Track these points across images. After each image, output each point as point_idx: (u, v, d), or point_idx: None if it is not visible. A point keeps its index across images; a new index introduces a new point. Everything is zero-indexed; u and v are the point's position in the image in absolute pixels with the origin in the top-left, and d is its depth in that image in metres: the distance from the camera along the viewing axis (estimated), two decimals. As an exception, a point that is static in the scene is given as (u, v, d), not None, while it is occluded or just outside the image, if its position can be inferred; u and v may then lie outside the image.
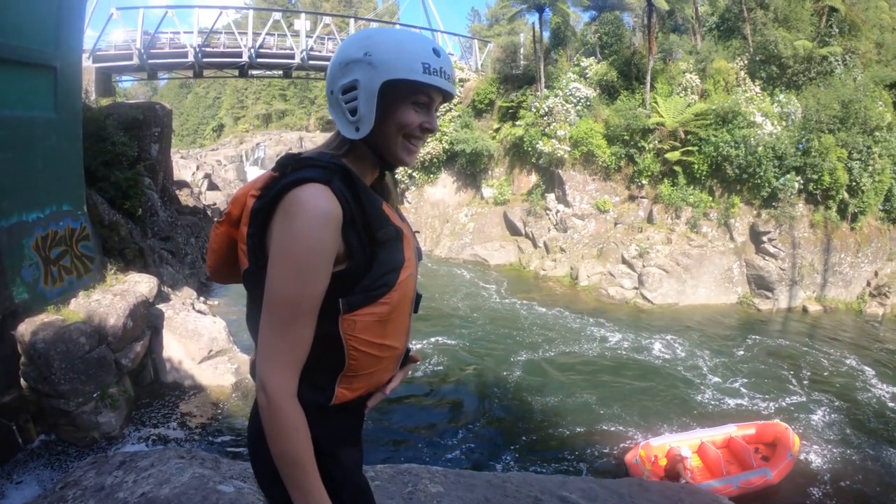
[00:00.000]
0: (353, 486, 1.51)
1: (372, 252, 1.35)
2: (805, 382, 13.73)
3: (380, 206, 1.41)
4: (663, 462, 9.24)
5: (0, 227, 9.09)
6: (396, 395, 7.99)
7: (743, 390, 13.07)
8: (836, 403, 12.61)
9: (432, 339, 14.87)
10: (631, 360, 14.63)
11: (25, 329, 9.18)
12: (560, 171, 23.98)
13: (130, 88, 50.50)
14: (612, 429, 11.00)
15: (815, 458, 10.41)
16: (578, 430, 10.93)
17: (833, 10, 23.16)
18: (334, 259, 1.30)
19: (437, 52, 1.38)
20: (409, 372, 1.68)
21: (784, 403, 12.53)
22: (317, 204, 1.25)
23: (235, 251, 1.47)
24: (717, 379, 13.62)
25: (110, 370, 9.77)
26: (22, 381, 9.20)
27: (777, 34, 22.44)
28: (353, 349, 1.37)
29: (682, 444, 9.44)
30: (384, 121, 1.37)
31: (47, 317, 9.54)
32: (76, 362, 9.17)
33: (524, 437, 10.75)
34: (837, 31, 23.54)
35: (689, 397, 12.64)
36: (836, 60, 22.62)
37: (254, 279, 1.36)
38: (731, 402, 12.52)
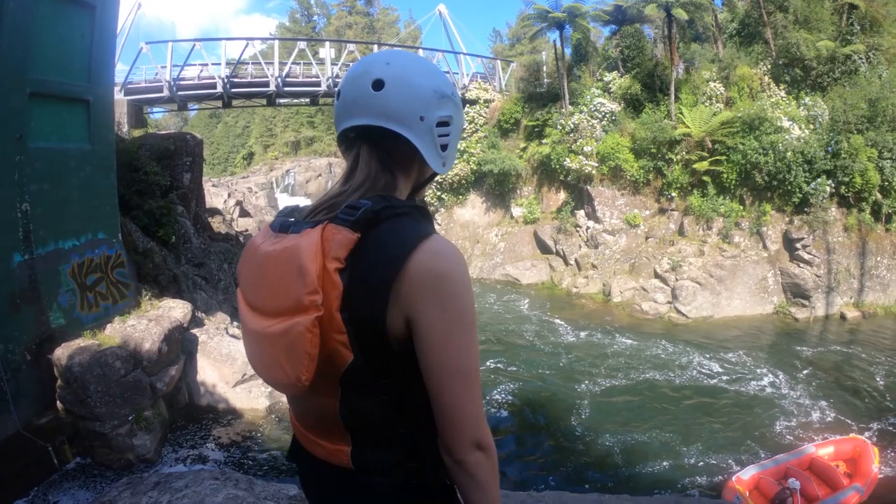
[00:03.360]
0: None
1: None
2: (866, 391, 13.39)
3: None
4: (756, 496, 9.03)
5: (37, 254, 9.36)
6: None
7: (805, 406, 12.72)
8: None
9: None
10: (678, 380, 14.24)
11: (62, 353, 9.40)
12: (588, 188, 23.85)
13: (161, 119, 51.67)
14: (681, 461, 10.60)
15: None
16: (633, 456, 10.68)
17: (853, 7, 22.80)
18: None
19: None
20: None
21: (851, 415, 12.22)
22: (461, 260, 1.20)
23: (323, 348, 1.17)
24: (774, 396, 13.25)
25: (145, 394, 9.92)
26: (58, 403, 9.42)
27: (798, 36, 22.20)
28: None
29: (771, 475, 9.28)
30: None
31: (83, 341, 9.76)
32: (112, 386, 9.34)
33: (568, 463, 10.61)
34: (859, 28, 23.10)
35: (750, 418, 12.26)
36: (860, 59, 22.21)
37: (359, 372, 1.19)
38: (796, 419, 12.16)
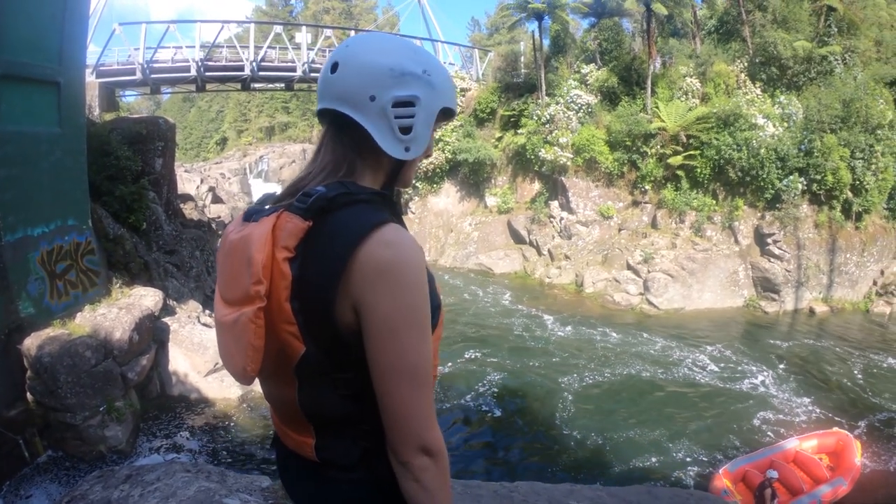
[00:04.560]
0: None
1: None
2: (846, 386, 13.70)
3: None
4: (743, 488, 9.21)
5: (5, 242, 9.12)
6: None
7: (786, 400, 12.93)
8: (881, 403, 12.63)
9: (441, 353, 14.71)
10: (657, 373, 14.36)
11: (31, 343, 9.19)
12: (563, 179, 23.99)
13: (134, 103, 50.60)
14: (664, 454, 10.69)
15: (879, 462, 10.43)
16: (613, 449, 10.78)
17: (831, 9, 23.19)
18: None
19: None
20: None
21: (833, 409, 12.44)
22: (415, 252, 1.13)
23: (273, 339, 1.17)
24: (754, 390, 13.45)
25: (116, 384, 9.78)
26: (28, 394, 9.22)
27: (776, 35, 22.51)
28: None
29: (757, 467, 9.43)
30: None
31: (53, 331, 9.56)
32: (82, 376, 9.18)
33: (545, 456, 10.69)
34: (836, 30, 23.54)
35: (732, 412, 12.41)
36: (836, 60, 22.63)
37: (315, 363, 1.17)
38: (778, 413, 12.34)
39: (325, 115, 1.27)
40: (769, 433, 11.50)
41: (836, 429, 10.72)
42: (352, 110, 1.21)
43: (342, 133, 1.25)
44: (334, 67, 1.22)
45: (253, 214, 1.22)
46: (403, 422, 1.15)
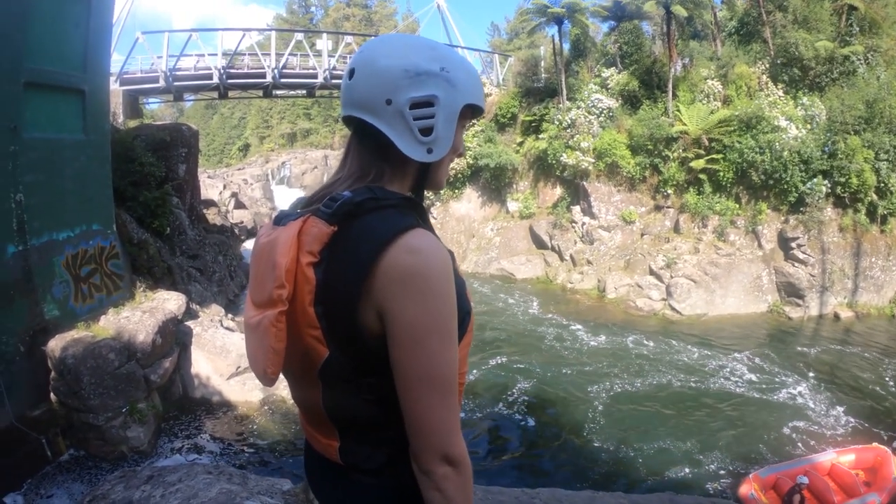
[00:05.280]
0: None
1: None
2: (881, 396, 13.28)
3: None
4: (772, 495, 9.06)
5: (31, 245, 9.30)
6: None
7: (819, 411, 12.56)
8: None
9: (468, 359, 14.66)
10: (685, 380, 14.05)
11: (56, 345, 9.36)
12: (585, 184, 23.83)
13: (157, 110, 51.39)
14: (693, 464, 10.47)
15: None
16: (639, 457, 10.62)
17: (852, 8, 22.82)
18: None
19: None
20: None
21: (868, 421, 12.05)
22: (440, 258, 1.11)
23: (297, 343, 1.18)
24: (786, 399, 13.13)
25: (139, 385, 9.91)
26: (52, 395, 9.41)
27: (797, 36, 22.20)
28: None
29: (789, 476, 9.22)
30: None
31: (77, 333, 9.73)
32: (105, 378, 9.32)
33: (569, 462, 10.59)
34: (858, 29, 23.13)
35: (762, 422, 12.07)
36: (859, 60, 22.22)
37: (338, 368, 1.17)
38: (811, 424, 11.98)
39: (350, 121, 1.27)
40: (801, 444, 11.21)
41: (875, 444, 10.37)
42: (370, 116, 1.20)
43: (366, 139, 1.24)
44: (351, 74, 1.22)
45: (283, 219, 1.22)
46: (426, 430, 1.14)
